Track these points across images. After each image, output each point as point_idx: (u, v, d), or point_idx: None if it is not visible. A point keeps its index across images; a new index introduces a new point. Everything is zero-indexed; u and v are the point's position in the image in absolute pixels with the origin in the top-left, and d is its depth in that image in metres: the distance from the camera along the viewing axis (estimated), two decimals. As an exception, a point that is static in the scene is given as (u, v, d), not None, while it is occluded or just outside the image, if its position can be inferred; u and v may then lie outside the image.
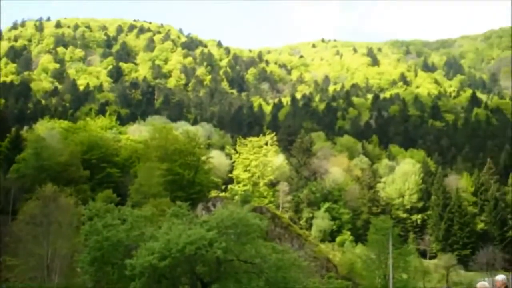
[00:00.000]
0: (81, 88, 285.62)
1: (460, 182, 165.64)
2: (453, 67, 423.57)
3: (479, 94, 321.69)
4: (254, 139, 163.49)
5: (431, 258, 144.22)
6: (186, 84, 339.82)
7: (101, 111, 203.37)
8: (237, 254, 54.75)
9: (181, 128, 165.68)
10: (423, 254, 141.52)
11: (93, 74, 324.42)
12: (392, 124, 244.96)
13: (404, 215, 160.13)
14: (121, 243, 56.31)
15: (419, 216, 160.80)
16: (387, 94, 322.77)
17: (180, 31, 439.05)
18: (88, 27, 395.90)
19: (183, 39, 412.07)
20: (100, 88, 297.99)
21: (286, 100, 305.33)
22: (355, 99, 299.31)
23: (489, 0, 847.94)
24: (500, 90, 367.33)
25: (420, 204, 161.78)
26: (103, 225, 56.89)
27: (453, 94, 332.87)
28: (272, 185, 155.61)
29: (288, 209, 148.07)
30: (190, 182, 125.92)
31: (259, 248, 56.89)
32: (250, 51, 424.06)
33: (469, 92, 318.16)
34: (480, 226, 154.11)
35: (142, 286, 51.86)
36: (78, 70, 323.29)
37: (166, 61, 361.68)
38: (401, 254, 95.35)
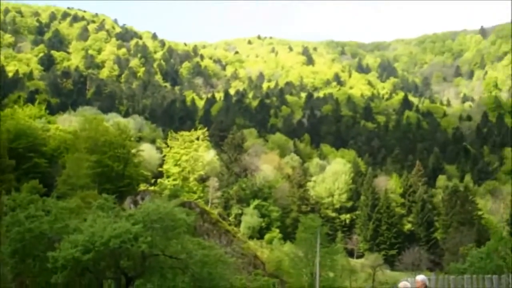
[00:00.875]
0: (10, 75, 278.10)
1: (389, 183, 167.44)
2: (386, 70, 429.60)
3: (411, 97, 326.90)
4: (186, 133, 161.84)
5: (358, 257, 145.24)
6: (119, 76, 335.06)
7: (30, 100, 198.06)
8: (162, 249, 53.74)
9: (112, 120, 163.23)
10: (350, 253, 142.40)
11: (23, 61, 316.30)
12: (324, 124, 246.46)
13: (333, 214, 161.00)
14: (44, 235, 54.53)
15: (348, 215, 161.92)
16: (320, 94, 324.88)
17: (115, 21, 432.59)
18: (19, 12, 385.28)
19: (118, 30, 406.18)
20: (30, 76, 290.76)
21: (219, 95, 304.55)
22: (288, 97, 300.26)
23: (424, 5, 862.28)
24: (432, 94, 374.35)
25: (349, 204, 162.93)
26: (25, 216, 55.05)
27: (386, 96, 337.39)
28: (202, 180, 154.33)
29: (218, 205, 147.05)
30: (119, 174, 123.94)
31: (185, 243, 56.08)
32: (185, 44, 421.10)
33: (401, 95, 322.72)
34: (407, 227, 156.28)
35: (65, 279, 50.40)
36: (7, 56, 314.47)
37: (99, 51, 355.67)
38: (329, 253, 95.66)
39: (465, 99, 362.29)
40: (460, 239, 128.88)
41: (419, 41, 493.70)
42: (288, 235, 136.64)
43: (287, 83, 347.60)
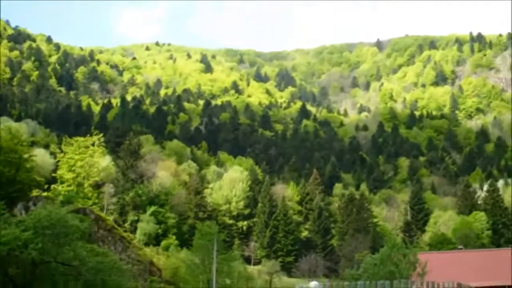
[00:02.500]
0: None
1: (286, 191, 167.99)
2: (285, 79, 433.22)
3: (308, 107, 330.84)
4: (81, 139, 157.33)
5: (255, 264, 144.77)
6: (11, 79, 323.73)
7: None
8: (54, 256, 51.25)
9: (3, 124, 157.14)
10: (247, 260, 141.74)
11: None
12: (222, 131, 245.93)
13: (230, 221, 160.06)
14: None
15: (245, 222, 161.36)
16: (218, 101, 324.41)
17: (7, 22, 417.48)
18: None
19: (10, 31, 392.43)
20: None
21: (116, 101, 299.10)
22: (186, 105, 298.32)
23: (322, 17, 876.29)
24: (329, 104, 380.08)
25: (246, 211, 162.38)
26: None
27: (284, 105, 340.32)
28: (98, 186, 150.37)
29: (113, 211, 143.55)
30: (10, 180, 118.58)
31: (78, 250, 53.78)
32: (81, 49, 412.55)
33: (299, 104, 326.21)
34: (304, 234, 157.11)
35: None
36: None
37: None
38: (226, 260, 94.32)
39: (361, 109, 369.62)
40: (355, 245, 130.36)
41: (317, 51, 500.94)
42: (184, 242, 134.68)
43: (185, 90, 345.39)
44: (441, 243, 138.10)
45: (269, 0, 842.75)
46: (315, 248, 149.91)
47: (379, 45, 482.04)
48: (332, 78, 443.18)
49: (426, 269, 62.96)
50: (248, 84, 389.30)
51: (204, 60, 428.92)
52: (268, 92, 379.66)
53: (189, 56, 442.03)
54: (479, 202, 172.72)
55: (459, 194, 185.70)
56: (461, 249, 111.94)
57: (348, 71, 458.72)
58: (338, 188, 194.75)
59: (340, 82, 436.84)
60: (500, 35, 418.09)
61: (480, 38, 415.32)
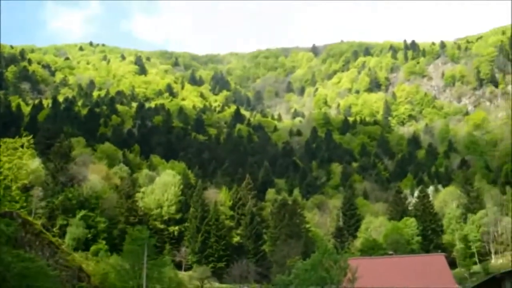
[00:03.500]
0: None
1: (219, 196, 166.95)
2: (219, 83, 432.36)
3: (243, 111, 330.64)
4: (9, 140, 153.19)
5: (186, 269, 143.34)
6: None
7: None
8: (-24, 262, 49.33)
9: None
10: (178, 266, 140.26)
11: None
12: (155, 135, 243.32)
13: (162, 226, 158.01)
14: None
15: (177, 227, 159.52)
16: (152, 104, 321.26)
17: None
18: None
19: None
20: None
21: (47, 102, 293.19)
22: (119, 107, 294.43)
23: (258, 21, 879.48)
24: (264, 109, 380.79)
25: (178, 216, 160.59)
26: None
27: (218, 109, 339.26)
28: (26, 189, 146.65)
29: (42, 215, 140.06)
30: None
31: (3, 255, 52.07)
32: (12, 47, 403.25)
33: (233, 108, 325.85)
34: (236, 239, 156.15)
35: None
36: None
37: None
38: (156, 265, 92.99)
39: (295, 114, 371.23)
40: (287, 251, 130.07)
41: (253, 56, 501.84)
42: (114, 247, 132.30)
43: (118, 92, 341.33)
44: (372, 249, 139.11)
45: (205, 1, 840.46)
46: (247, 254, 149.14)
47: (314, 50, 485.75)
48: (267, 82, 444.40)
49: (357, 275, 63.22)
50: (182, 87, 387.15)
51: (138, 62, 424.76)
52: (202, 95, 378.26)
53: (123, 57, 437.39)
54: (410, 208, 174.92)
55: (390, 200, 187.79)
56: (391, 254, 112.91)
57: (283, 75, 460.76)
58: (270, 193, 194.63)
59: (275, 86, 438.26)
60: (433, 44, 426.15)
61: (413, 46, 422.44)
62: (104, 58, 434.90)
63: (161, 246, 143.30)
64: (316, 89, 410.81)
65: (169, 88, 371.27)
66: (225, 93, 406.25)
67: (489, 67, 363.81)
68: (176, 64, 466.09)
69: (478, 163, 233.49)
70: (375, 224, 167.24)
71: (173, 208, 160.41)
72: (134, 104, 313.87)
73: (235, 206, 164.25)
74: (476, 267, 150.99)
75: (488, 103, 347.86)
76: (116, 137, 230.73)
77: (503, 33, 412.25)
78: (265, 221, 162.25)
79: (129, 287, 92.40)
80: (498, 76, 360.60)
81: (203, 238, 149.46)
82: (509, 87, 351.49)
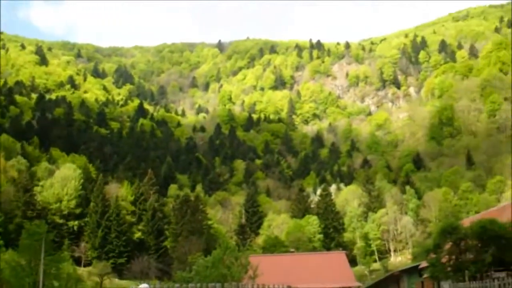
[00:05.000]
0: None
1: (120, 191, 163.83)
2: (123, 76, 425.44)
3: (146, 105, 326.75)
4: None
5: (86, 265, 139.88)
6: None
7: None
8: None
9: None
10: (77, 262, 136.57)
11: None
12: (55, 127, 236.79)
13: (61, 221, 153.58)
14: None
15: (76, 222, 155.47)
16: (53, 96, 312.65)
17: None
18: None
19: None
20: None
21: None
22: (18, 98, 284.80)
23: (165, 15, 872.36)
24: (167, 104, 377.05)
25: (78, 211, 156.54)
26: None
27: (121, 102, 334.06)
28: None
29: None
30: None
31: None
32: None
33: (137, 102, 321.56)
34: (137, 235, 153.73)
35: None
36: None
37: None
38: (54, 261, 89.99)
39: (199, 110, 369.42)
40: (189, 247, 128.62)
41: (158, 50, 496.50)
42: (10, 242, 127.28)
43: (17, 83, 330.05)
44: (274, 246, 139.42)
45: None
46: (148, 250, 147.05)
47: (220, 46, 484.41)
48: (171, 77, 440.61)
49: (258, 272, 62.72)
50: (85, 80, 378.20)
51: (39, 52, 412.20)
52: (105, 88, 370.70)
53: (23, 46, 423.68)
54: (312, 206, 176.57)
55: (293, 198, 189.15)
56: (293, 252, 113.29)
57: (188, 71, 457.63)
58: (173, 189, 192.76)
59: (180, 81, 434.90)
60: (338, 44, 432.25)
61: (319, 45, 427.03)
62: (3, 47, 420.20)
63: (59, 241, 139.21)
64: (221, 85, 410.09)
65: (71, 80, 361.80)
66: (128, 86, 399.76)
67: (392, 68, 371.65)
68: (78, 55, 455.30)
69: (379, 162, 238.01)
70: (278, 222, 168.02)
71: (73, 202, 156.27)
72: (34, 96, 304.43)
73: (137, 202, 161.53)
74: (376, 265, 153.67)
75: (390, 104, 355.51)
76: (14, 128, 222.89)
77: (406, 36, 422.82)
78: (167, 217, 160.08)
79: (25, 283, 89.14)
80: (401, 78, 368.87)
81: (104, 233, 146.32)
82: (411, 89, 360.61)
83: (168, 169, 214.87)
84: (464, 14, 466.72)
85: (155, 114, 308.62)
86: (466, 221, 62.24)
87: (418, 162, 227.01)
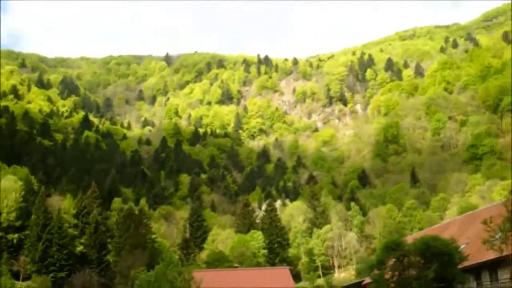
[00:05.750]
0: None
1: (63, 203, 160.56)
2: (68, 87, 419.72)
3: (92, 117, 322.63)
4: None
5: (24, 279, 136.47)
6: None
7: None
8: None
9: None
10: (16, 276, 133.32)
11: None
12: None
13: (0, 234, 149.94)
14: None
15: (16, 235, 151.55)
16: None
17: None
18: None
19: None
20: None
21: None
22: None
23: (110, 26, 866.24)
24: (113, 116, 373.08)
25: (18, 223, 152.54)
26: None
27: (66, 114, 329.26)
28: None
29: None
30: None
31: None
32: None
33: (82, 114, 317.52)
34: (79, 248, 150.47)
35: None
36: None
37: None
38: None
39: (145, 123, 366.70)
40: (132, 262, 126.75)
41: (104, 61, 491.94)
42: None
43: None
44: (218, 261, 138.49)
45: (55, 1, 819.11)
46: (90, 264, 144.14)
47: (167, 59, 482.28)
48: (118, 89, 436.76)
49: (201, 287, 62.17)
50: (29, 90, 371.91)
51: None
52: (50, 99, 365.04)
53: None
54: (257, 221, 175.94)
55: (238, 212, 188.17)
56: (237, 267, 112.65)
57: (135, 83, 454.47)
58: (117, 202, 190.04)
59: (126, 94, 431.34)
60: (286, 60, 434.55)
61: (267, 61, 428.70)
62: None
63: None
64: (168, 99, 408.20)
65: (14, 90, 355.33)
66: (73, 98, 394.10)
67: (339, 85, 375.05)
68: (23, 65, 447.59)
69: (325, 179, 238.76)
70: (222, 237, 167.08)
71: (13, 215, 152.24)
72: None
73: (80, 214, 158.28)
74: (320, 281, 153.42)
75: (336, 121, 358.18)
76: None
77: (354, 53, 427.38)
78: (110, 231, 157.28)
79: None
80: (347, 95, 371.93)
81: (44, 246, 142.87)
82: (357, 106, 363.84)
83: (113, 182, 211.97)
84: (410, 34, 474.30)
85: (100, 126, 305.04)
86: (410, 238, 62.41)
87: (363, 179, 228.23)
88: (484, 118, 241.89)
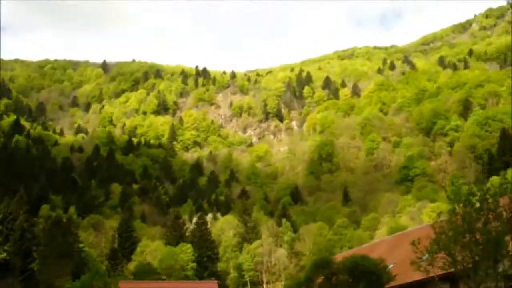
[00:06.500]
0: None
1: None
2: (0, 89, 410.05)
3: (23, 122, 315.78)
4: None
5: None
6: None
7: None
8: None
9: None
10: None
11: None
12: None
13: None
14: None
15: None
16: None
17: None
18: None
19: None
20: None
21: None
22: None
23: (49, 32, 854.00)
24: (46, 121, 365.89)
25: None
26: None
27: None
28: None
29: None
30: None
31: None
32: None
33: (13, 117, 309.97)
34: (3, 256, 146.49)
35: None
36: None
37: None
38: None
39: (79, 130, 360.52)
40: (57, 271, 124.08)
41: (39, 65, 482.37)
42: None
43: None
44: (146, 273, 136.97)
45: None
46: (13, 271, 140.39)
47: (104, 66, 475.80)
48: (52, 94, 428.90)
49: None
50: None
51: None
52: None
53: None
54: (187, 234, 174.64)
55: (168, 224, 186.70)
56: (164, 279, 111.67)
57: (70, 89, 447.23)
58: (45, 209, 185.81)
59: (60, 100, 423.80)
60: (224, 73, 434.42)
61: (205, 73, 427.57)
62: None
63: None
64: (103, 107, 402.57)
65: None
66: (5, 101, 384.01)
67: (276, 101, 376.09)
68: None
69: (257, 194, 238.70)
70: (151, 248, 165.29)
71: None
72: None
73: (5, 221, 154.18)
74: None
75: (272, 137, 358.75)
76: None
77: (292, 70, 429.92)
78: (36, 238, 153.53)
79: None
80: (284, 111, 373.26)
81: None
82: (293, 123, 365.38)
83: (42, 188, 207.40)
84: (349, 53, 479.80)
85: (31, 131, 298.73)
86: (339, 256, 62.01)
87: (296, 196, 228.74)
88: (417, 140, 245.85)
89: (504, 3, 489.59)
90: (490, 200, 40.57)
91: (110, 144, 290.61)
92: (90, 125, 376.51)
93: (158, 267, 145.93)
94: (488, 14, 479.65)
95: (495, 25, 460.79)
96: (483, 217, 40.41)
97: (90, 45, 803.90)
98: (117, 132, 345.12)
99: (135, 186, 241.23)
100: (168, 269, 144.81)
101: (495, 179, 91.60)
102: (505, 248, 40.97)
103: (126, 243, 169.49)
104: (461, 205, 41.24)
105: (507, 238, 41.49)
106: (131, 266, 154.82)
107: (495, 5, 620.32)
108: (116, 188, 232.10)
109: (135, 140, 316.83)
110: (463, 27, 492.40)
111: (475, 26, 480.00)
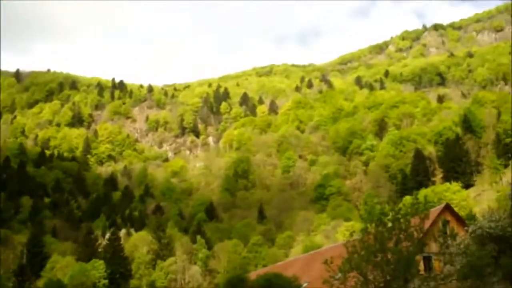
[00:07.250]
0: None
1: None
2: None
3: None
4: None
5: None
6: None
7: None
8: None
9: None
10: None
11: None
12: None
13: None
14: None
15: None
16: None
17: None
18: None
19: None
20: None
21: None
22: None
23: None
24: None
25: None
26: None
27: None
28: None
29: None
30: None
31: None
32: None
33: None
34: None
35: None
36: None
37: None
38: None
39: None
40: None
41: None
42: None
43: None
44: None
45: None
46: None
47: (18, 76, 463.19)
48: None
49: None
50: None
51: None
52: None
53: None
54: (99, 250, 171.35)
55: (80, 239, 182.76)
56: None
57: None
58: None
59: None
60: (141, 86, 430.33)
61: (121, 86, 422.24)
62: None
63: None
64: (15, 117, 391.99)
65: None
66: None
67: (193, 116, 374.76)
68: None
69: (172, 210, 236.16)
70: (62, 264, 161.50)
71: None
72: None
73: None
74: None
75: (188, 152, 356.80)
76: None
77: (210, 85, 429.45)
78: None
79: None
80: (201, 126, 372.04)
81: None
82: (209, 139, 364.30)
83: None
84: (267, 70, 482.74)
85: None
86: (253, 274, 61.30)
87: (211, 212, 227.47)
88: (333, 159, 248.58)
89: (419, 27, 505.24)
90: (402, 220, 40.77)
91: (21, 156, 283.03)
92: (0, 136, 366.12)
93: (68, 284, 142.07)
94: (404, 36, 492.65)
95: (410, 47, 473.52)
96: (394, 237, 40.56)
97: (3, 53, 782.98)
98: (29, 143, 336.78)
99: (46, 199, 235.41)
100: (79, 286, 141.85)
101: (407, 199, 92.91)
102: (416, 267, 41.22)
103: (36, 259, 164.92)
104: (373, 224, 41.31)
105: (418, 257, 41.77)
106: (40, 283, 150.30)
107: (411, 27, 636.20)
108: (27, 201, 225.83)
109: (48, 152, 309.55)
110: (380, 48, 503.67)
111: (391, 48, 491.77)
